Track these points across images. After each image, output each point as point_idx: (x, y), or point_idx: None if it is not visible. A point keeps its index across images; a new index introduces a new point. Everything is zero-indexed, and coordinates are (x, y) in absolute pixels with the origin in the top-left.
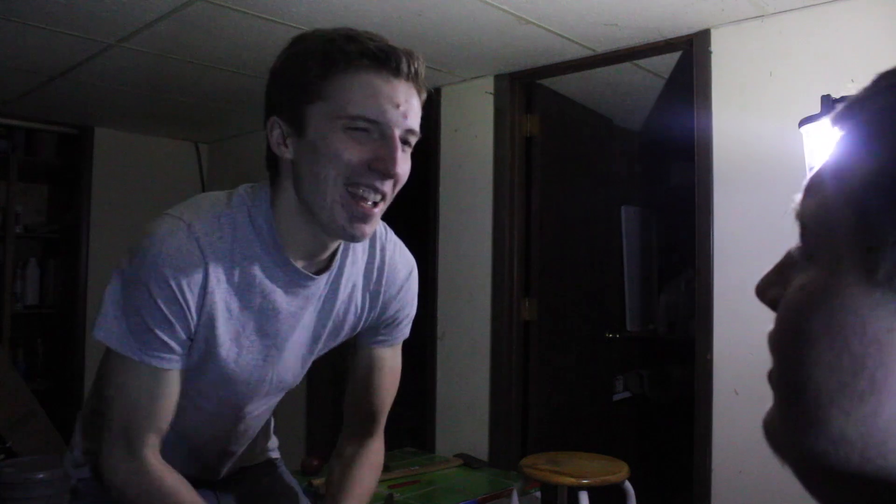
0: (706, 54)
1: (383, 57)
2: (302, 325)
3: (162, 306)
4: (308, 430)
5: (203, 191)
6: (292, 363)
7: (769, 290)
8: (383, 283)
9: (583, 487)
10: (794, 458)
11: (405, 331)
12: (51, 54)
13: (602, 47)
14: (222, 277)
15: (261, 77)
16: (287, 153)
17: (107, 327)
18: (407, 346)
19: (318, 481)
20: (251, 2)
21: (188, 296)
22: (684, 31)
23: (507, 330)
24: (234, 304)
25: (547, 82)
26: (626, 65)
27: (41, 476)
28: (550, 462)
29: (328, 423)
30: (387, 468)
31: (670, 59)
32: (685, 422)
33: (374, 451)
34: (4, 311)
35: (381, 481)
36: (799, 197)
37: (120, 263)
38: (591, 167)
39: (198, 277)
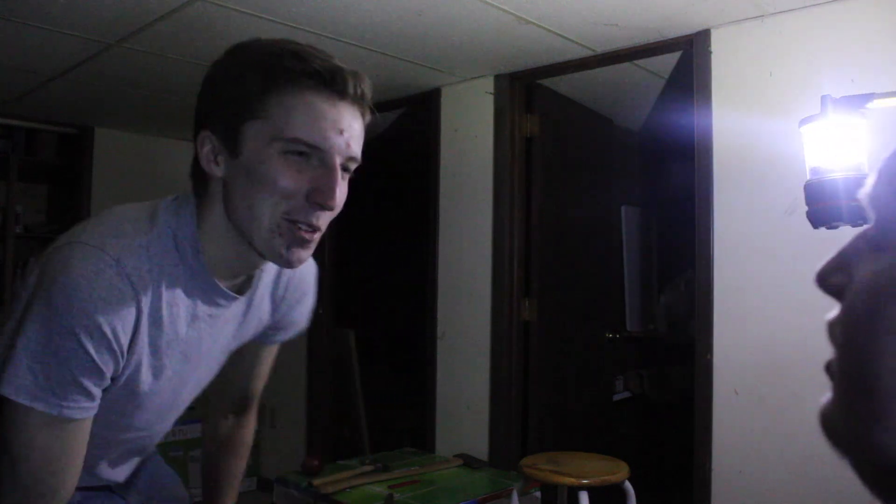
0: (706, 54)
1: (329, 77)
2: (220, 343)
3: (93, 354)
4: (308, 430)
5: None
6: (205, 379)
7: (832, 276)
8: (290, 288)
9: (583, 487)
10: (856, 452)
11: (301, 326)
12: (51, 54)
13: (602, 47)
14: (150, 311)
15: None
16: (218, 171)
17: (17, 382)
18: (407, 346)
19: (318, 481)
20: (251, 2)
21: (122, 339)
22: (684, 31)
23: (507, 330)
24: (160, 336)
25: (547, 82)
26: (626, 65)
27: None
28: (550, 462)
29: (328, 425)
30: (387, 468)
31: (670, 59)
32: (685, 422)
33: (249, 427)
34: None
35: (381, 481)
36: (871, 181)
37: (31, 308)
38: (591, 167)
39: (131, 318)
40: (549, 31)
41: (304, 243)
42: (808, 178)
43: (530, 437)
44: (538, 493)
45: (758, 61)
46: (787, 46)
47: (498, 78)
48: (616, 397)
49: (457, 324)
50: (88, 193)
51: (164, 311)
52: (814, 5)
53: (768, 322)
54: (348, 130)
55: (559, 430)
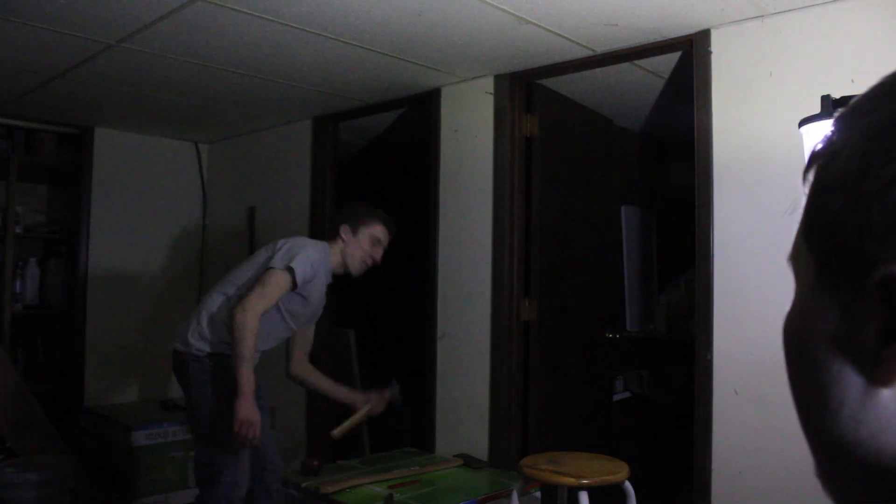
0: (706, 54)
1: (388, 221)
2: (321, 300)
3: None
4: (308, 430)
5: (203, 190)
6: (313, 318)
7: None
8: None
9: (583, 487)
10: (813, 445)
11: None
12: (51, 54)
13: (602, 47)
14: (320, 275)
15: (260, 77)
16: (345, 237)
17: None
18: (407, 346)
19: (318, 482)
20: (251, 2)
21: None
22: (684, 31)
23: (507, 330)
24: (315, 287)
25: (547, 82)
26: (626, 65)
27: (40, 476)
28: (550, 462)
29: (328, 425)
30: (387, 468)
31: (670, 59)
32: (685, 422)
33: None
34: (4, 311)
35: (381, 481)
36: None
37: (297, 254)
38: (591, 167)
39: (315, 273)
40: (549, 31)
41: (364, 271)
42: None
43: (530, 437)
44: (538, 493)
45: (758, 61)
46: (787, 46)
47: (498, 78)
48: (616, 397)
49: (457, 324)
50: (88, 193)
51: (320, 278)
52: (814, 5)
53: (768, 322)
54: (387, 239)
55: (559, 430)
